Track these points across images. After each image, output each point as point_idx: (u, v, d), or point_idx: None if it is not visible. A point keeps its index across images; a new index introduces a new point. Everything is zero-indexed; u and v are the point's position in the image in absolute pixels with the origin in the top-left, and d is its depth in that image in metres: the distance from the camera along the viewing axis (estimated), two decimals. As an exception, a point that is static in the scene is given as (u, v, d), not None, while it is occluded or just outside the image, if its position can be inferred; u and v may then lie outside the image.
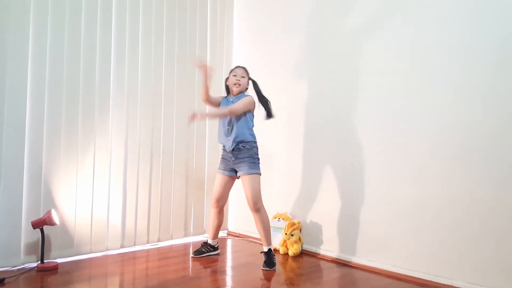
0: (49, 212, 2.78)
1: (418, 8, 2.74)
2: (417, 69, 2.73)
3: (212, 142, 3.89)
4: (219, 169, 3.06)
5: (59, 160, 2.96)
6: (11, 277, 2.53)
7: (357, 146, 3.04)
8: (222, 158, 3.05)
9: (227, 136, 2.93)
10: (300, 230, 3.30)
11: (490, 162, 2.41)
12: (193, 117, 2.72)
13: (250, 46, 3.95)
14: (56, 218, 2.80)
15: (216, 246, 3.19)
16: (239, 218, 3.91)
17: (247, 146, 2.90)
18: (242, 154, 2.90)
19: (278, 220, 3.36)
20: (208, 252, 3.15)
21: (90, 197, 3.10)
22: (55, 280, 2.54)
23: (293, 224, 3.24)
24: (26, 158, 2.81)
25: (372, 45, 2.98)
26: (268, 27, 3.75)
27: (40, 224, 2.74)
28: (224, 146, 3.00)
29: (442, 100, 2.61)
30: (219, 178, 3.04)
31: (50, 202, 2.91)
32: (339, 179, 3.15)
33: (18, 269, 2.71)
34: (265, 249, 2.90)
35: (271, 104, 2.97)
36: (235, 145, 2.89)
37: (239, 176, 2.94)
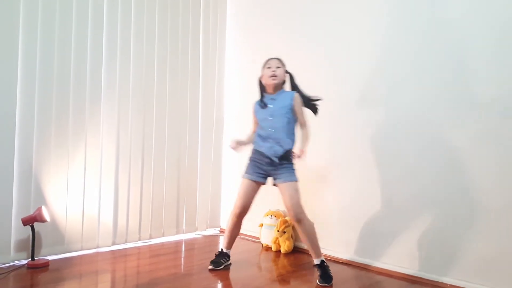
0: (39, 209, 2.76)
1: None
2: (406, 68, 2.75)
3: (204, 139, 3.89)
4: (246, 173, 2.68)
5: (50, 157, 2.94)
6: (1, 274, 2.52)
7: (347, 143, 3.06)
8: (252, 160, 2.68)
9: (274, 141, 2.58)
10: (293, 227, 3.31)
11: (481, 163, 2.43)
12: (298, 156, 2.50)
13: (242, 44, 3.94)
14: (46, 215, 2.79)
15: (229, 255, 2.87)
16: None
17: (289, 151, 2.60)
18: (285, 160, 2.58)
19: (271, 218, 3.36)
20: (225, 263, 2.82)
21: (81, 194, 3.09)
22: (45, 277, 2.53)
23: (286, 221, 3.25)
24: (16, 154, 2.79)
25: (369, 46, 2.99)
26: (261, 26, 3.74)
27: (30, 221, 2.72)
28: (262, 151, 2.62)
29: (441, 103, 2.63)
30: (245, 184, 2.66)
31: (41, 198, 2.89)
32: (330, 177, 3.16)
33: (8, 266, 2.69)
34: (317, 261, 2.59)
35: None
36: (284, 153, 2.57)
37: (276, 184, 2.62)
